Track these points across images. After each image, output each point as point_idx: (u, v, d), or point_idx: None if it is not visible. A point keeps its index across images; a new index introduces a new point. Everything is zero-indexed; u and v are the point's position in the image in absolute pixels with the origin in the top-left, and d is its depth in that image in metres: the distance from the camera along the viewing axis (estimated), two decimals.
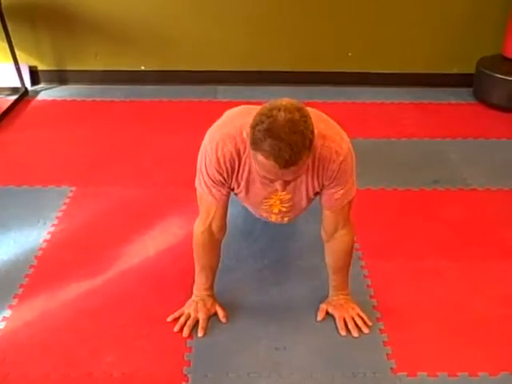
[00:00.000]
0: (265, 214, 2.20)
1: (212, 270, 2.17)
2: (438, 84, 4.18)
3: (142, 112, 3.84)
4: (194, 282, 2.21)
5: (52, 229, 2.64)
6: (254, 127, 1.62)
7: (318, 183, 1.94)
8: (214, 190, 1.97)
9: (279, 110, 1.58)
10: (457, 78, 4.17)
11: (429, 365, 1.99)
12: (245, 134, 1.75)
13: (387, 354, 2.03)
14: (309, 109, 1.82)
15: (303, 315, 2.20)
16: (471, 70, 4.03)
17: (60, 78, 4.21)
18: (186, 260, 2.31)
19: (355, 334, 2.10)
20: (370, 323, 2.13)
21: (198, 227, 2.10)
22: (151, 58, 4.18)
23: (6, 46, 3.87)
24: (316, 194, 2.02)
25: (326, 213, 2.05)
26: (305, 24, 4.03)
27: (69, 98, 4.02)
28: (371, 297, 2.28)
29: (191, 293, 2.21)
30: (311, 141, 1.63)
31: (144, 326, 2.13)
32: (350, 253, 2.13)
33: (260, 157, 1.62)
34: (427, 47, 4.12)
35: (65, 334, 2.10)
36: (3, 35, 3.83)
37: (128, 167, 3.15)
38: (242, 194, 2.03)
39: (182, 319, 2.13)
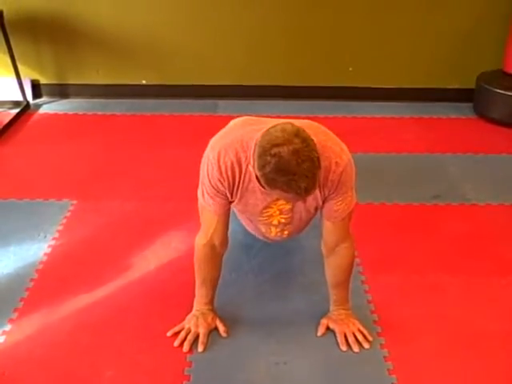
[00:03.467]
0: (264, 229, 2.20)
1: (212, 284, 2.17)
2: (438, 99, 4.20)
3: (143, 126, 3.85)
4: (194, 296, 2.20)
5: (52, 242, 2.64)
6: (262, 169, 1.66)
7: (321, 195, 1.94)
8: (215, 202, 1.98)
9: (280, 145, 1.61)
10: (457, 93, 4.19)
11: (430, 380, 1.98)
12: (242, 136, 1.87)
13: (388, 370, 2.02)
14: (307, 122, 1.88)
15: (304, 330, 2.19)
16: (471, 84, 4.04)
17: (62, 91, 4.24)
18: (187, 274, 2.31)
19: (356, 349, 2.09)
20: (370, 338, 2.12)
21: (200, 240, 2.10)
22: (152, 73, 4.20)
23: (8, 59, 3.90)
24: (316, 208, 2.02)
25: (327, 224, 2.04)
26: (305, 39, 4.05)
27: (70, 112, 4.04)
28: (372, 312, 2.28)
29: (192, 307, 2.20)
30: (319, 160, 1.67)
31: (144, 341, 2.13)
32: (350, 267, 2.13)
33: (279, 192, 1.70)
34: (427, 62, 4.14)
35: (65, 349, 2.09)
36: (5, 49, 3.86)
37: (129, 181, 3.15)
38: (242, 205, 2.03)
39: (183, 334, 2.12)
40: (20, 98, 4.06)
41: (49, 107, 4.12)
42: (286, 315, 2.26)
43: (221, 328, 2.15)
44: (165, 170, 3.27)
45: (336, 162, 1.86)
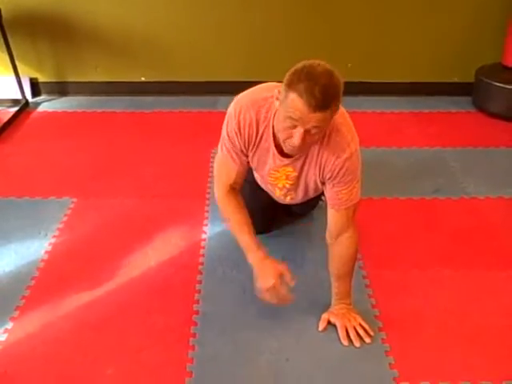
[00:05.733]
0: (270, 187, 2.23)
1: (250, 226, 2.12)
2: (437, 93, 4.19)
3: (143, 123, 3.85)
4: (197, 292, 2.20)
5: (53, 240, 2.64)
6: (291, 75, 1.73)
7: (320, 173, 1.99)
8: (234, 155, 2.06)
9: (318, 65, 1.73)
10: (456, 87, 4.18)
11: (431, 374, 1.99)
12: (265, 96, 1.93)
13: (390, 364, 2.02)
14: None
15: (305, 325, 2.19)
16: (471, 78, 4.04)
17: (61, 89, 4.23)
18: (188, 271, 2.31)
19: (357, 343, 2.09)
20: (372, 333, 2.13)
21: (222, 191, 2.14)
22: (151, 69, 4.19)
23: (6, 57, 3.89)
24: (315, 184, 2.07)
25: (331, 212, 2.08)
26: (305, 34, 4.04)
27: (69, 110, 4.03)
28: (373, 306, 2.28)
29: (193, 303, 2.20)
30: (340, 95, 1.75)
31: (146, 338, 2.13)
32: (353, 258, 2.14)
33: (293, 95, 1.70)
34: (426, 56, 4.13)
35: (66, 346, 2.10)
36: (4, 47, 3.85)
37: (129, 178, 3.15)
38: (255, 160, 2.10)
39: (276, 290, 2.01)
40: (19, 96, 4.05)
41: (48, 105, 4.11)
42: (287, 311, 2.25)
43: (287, 277, 2.03)
44: (165, 166, 3.26)
45: (343, 148, 1.91)
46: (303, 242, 2.64)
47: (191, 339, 2.12)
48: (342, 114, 1.97)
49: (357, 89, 4.16)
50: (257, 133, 1.97)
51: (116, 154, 3.42)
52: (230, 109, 2.01)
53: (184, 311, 2.20)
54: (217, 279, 2.25)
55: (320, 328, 2.16)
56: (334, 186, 2.01)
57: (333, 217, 2.08)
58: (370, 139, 3.56)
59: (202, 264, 2.46)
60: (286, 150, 1.92)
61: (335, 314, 2.18)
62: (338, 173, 1.95)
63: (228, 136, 2.02)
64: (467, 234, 2.72)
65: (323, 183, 2.05)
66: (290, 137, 1.80)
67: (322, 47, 4.08)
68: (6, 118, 3.78)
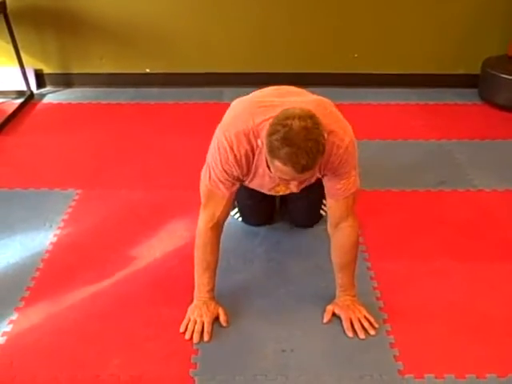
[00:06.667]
0: (269, 193, 2.29)
1: (214, 271, 2.17)
2: (443, 85, 4.18)
3: (148, 114, 3.85)
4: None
5: (58, 232, 2.65)
6: (270, 136, 1.72)
7: (319, 171, 2.01)
8: (226, 185, 2.05)
9: (293, 118, 1.69)
10: (462, 79, 4.16)
11: (436, 366, 1.98)
12: (253, 125, 1.91)
13: (394, 356, 2.02)
14: (319, 98, 2.00)
15: (310, 317, 2.19)
16: (477, 70, 4.02)
17: (65, 81, 4.23)
18: (193, 262, 2.30)
19: (362, 335, 2.09)
20: (376, 325, 2.12)
21: (206, 223, 2.12)
22: (156, 61, 4.19)
23: (11, 49, 3.90)
24: (317, 178, 2.11)
25: (330, 202, 2.11)
26: (310, 25, 4.03)
27: (74, 101, 4.03)
28: (378, 298, 2.28)
29: None
30: (324, 146, 1.74)
31: (151, 329, 2.13)
32: (354, 247, 2.14)
33: (277, 163, 1.73)
34: (432, 48, 4.12)
35: (72, 337, 2.10)
36: (9, 39, 3.85)
37: (134, 170, 3.15)
38: (253, 185, 2.15)
39: (190, 326, 2.12)
40: (24, 87, 4.05)
41: (53, 97, 4.12)
42: (292, 302, 2.26)
43: (222, 317, 2.15)
44: (170, 158, 3.26)
45: (337, 145, 1.93)
46: (307, 234, 2.64)
47: None
48: (327, 113, 1.97)
49: (362, 80, 4.16)
50: (253, 161, 2.00)
51: (121, 146, 3.42)
52: (219, 140, 1.99)
53: (189, 302, 2.20)
54: (221, 270, 2.24)
55: (325, 320, 2.16)
56: (331, 178, 2.04)
57: (332, 207, 2.11)
58: (375, 131, 3.56)
59: None
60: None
61: (340, 305, 2.17)
62: (335, 168, 1.98)
63: (223, 169, 1.99)
64: (473, 227, 2.71)
65: (322, 176, 2.07)
66: (287, 184, 1.89)
67: (328, 38, 4.08)
68: (10, 110, 3.79)
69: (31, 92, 4.07)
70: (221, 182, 2.03)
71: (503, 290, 2.33)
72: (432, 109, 3.94)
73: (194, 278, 2.19)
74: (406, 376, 1.95)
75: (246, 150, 1.95)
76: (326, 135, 1.77)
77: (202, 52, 4.15)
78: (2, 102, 3.99)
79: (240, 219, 2.64)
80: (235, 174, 2.01)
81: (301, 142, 1.66)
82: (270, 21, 4.03)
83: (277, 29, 4.05)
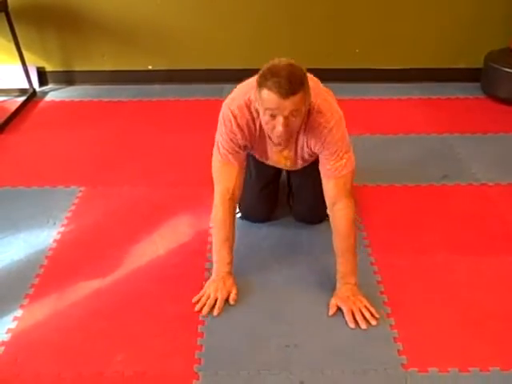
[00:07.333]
0: (272, 163, 2.43)
1: (232, 244, 2.26)
2: (445, 79, 4.17)
3: (150, 111, 3.85)
4: (204, 279, 2.21)
5: (62, 229, 2.65)
6: (259, 75, 1.96)
7: (308, 147, 2.20)
8: (235, 156, 2.21)
9: (280, 60, 1.96)
10: (464, 73, 4.16)
11: (440, 360, 1.99)
12: (253, 97, 2.08)
13: (398, 350, 2.02)
14: (309, 75, 2.09)
15: (314, 312, 2.19)
16: (479, 64, 4.01)
17: (68, 78, 4.24)
18: (196, 258, 2.32)
19: (363, 326, 2.10)
20: (377, 315, 2.13)
21: (223, 196, 2.24)
22: (158, 58, 4.19)
23: (13, 47, 3.90)
24: (309, 155, 2.27)
25: (323, 182, 2.23)
26: (312, 21, 4.02)
27: (77, 99, 4.04)
28: (381, 293, 2.28)
29: (201, 290, 2.21)
30: (307, 84, 1.96)
31: (155, 325, 2.14)
32: (351, 228, 2.20)
33: (265, 91, 1.92)
34: (434, 42, 4.11)
35: (76, 334, 2.11)
36: (11, 36, 3.85)
37: (136, 166, 3.16)
38: (254, 150, 2.31)
39: (203, 299, 2.20)
40: (26, 85, 4.06)
41: (55, 94, 4.12)
42: (295, 297, 2.26)
43: (232, 296, 2.22)
44: (172, 155, 3.27)
45: (324, 126, 2.10)
46: (310, 227, 2.64)
47: (200, 326, 2.13)
48: (321, 95, 2.16)
49: (364, 76, 4.16)
50: (254, 128, 2.17)
51: (123, 143, 3.43)
52: (224, 113, 2.18)
53: (193, 298, 2.20)
54: None
55: (330, 313, 2.17)
56: (322, 158, 2.19)
57: (325, 186, 2.23)
58: (377, 126, 3.56)
59: (210, 251, 2.46)
60: (274, 142, 2.13)
61: (341, 297, 2.18)
62: (322, 146, 2.14)
63: (228, 137, 2.18)
64: (476, 221, 2.71)
65: (314, 154, 2.25)
66: (274, 127, 1.99)
67: (329, 33, 4.08)
68: (13, 108, 3.79)
69: (33, 90, 4.08)
70: (230, 153, 2.20)
71: (507, 284, 2.33)
72: (434, 103, 3.93)
73: (197, 274, 2.20)
74: (410, 370, 1.95)
75: (247, 120, 2.14)
76: (314, 112, 2.07)
77: (204, 49, 4.14)
78: (5, 100, 3.99)
79: (239, 215, 2.62)
80: (240, 142, 2.18)
81: (284, 72, 1.89)
82: (271, 17, 4.03)
83: (278, 25, 4.05)
